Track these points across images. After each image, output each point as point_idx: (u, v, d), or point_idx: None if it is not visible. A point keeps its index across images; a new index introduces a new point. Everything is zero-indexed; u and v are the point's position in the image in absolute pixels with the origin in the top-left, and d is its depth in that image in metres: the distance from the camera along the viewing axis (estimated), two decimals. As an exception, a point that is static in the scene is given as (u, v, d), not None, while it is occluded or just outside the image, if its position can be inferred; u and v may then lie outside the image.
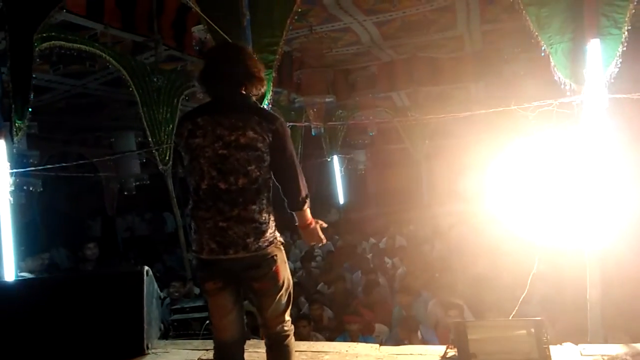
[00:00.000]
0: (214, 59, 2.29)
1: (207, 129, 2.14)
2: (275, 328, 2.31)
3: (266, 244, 2.16)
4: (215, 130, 2.13)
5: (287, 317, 2.36)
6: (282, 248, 2.29)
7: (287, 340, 2.34)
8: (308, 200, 2.31)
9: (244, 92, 2.24)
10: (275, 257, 2.20)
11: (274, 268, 2.19)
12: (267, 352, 2.38)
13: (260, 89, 2.30)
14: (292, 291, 2.35)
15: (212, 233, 2.12)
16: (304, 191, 2.28)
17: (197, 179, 2.15)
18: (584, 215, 3.19)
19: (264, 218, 2.16)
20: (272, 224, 2.21)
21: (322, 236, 2.44)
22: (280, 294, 2.25)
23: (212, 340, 2.44)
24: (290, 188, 2.26)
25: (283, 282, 2.25)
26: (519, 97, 3.90)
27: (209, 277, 2.21)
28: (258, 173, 2.14)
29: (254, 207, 2.13)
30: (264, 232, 2.16)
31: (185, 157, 2.21)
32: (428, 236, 9.28)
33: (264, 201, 2.18)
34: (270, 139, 2.15)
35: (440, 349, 3.01)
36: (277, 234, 2.26)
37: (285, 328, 2.34)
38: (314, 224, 2.39)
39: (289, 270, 2.34)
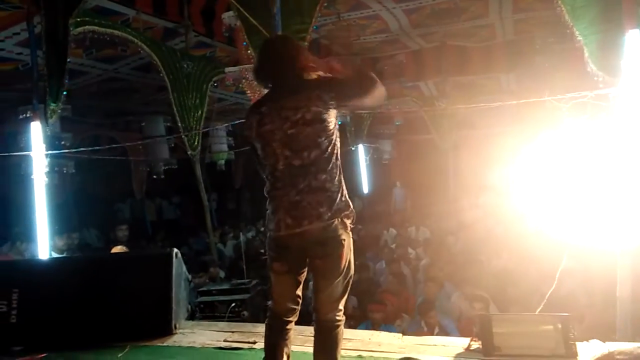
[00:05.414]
0: (265, 56, 2.38)
1: (273, 114, 2.23)
2: (327, 315, 2.33)
3: (338, 213, 2.20)
4: (280, 113, 2.21)
5: (341, 306, 2.36)
6: (350, 234, 2.29)
7: (337, 329, 2.35)
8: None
9: (299, 75, 2.30)
10: (343, 241, 2.23)
11: (339, 251, 2.23)
12: (315, 337, 2.40)
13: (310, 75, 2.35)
14: (351, 281, 2.35)
15: (287, 208, 2.21)
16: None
17: (272, 162, 2.25)
18: (616, 211, 3.11)
19: (335, 186, 2.23)
20: (343, 192, 2.27)
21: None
22: (339, 279, 2.27)
23: (236, 323, 2.48)
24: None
25: (344, 268, 2.27)
26: (551, 89, 3.81)
27: (278, 258, 2.30)
28: (327, 143, 2.22)
29: (324, 176, 2.20)
30: (335, 199, 2.21)
31: (258, 146, 2.31)
32: (453, 228, 9.19)
33: (334, 170, 2.24)
34: (334, 102, 2.22)
35: (464, 341, 2.99)
36: (350, 207, 2.27)
37: (337, 317, 2.34)
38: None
39: (352, 259, 2.33)
